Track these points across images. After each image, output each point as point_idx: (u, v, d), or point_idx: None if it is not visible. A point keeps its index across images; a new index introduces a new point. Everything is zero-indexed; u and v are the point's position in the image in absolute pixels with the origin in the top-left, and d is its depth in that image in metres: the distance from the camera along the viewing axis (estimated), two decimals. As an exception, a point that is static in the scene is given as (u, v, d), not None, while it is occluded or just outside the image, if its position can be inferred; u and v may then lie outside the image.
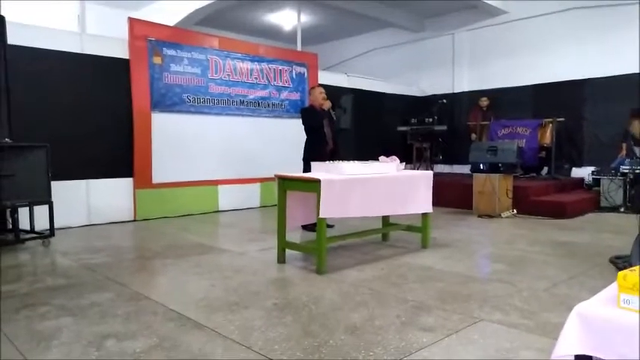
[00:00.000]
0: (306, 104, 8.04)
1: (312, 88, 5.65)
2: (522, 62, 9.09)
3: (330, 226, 5.23)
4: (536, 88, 8.85)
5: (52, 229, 4.68)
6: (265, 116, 7.56)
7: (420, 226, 4.55)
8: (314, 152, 5.02)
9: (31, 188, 4.51)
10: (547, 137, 7.82)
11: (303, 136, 7.94)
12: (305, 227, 4.93)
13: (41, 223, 4.79)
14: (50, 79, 5.46)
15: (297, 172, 4.99)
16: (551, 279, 3.48)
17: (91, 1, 7.12)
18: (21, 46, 5.10)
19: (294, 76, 7.93)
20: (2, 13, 4.50)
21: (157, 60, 6.28)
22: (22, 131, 4.76)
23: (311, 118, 5.32)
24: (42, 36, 5.43)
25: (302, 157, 5.39)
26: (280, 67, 7.74)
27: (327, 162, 4.17)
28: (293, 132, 7.88)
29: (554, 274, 3.61)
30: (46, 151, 4.58)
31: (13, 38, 4.75)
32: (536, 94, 8.86)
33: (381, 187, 3.92)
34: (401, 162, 4.48)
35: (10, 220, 4.77)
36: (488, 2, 8.86)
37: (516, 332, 2.50)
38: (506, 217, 6.28)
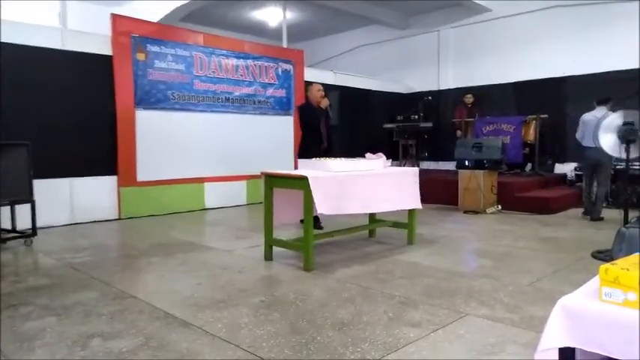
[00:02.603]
0: (292, 101, 8.05)
1: (310, 84, 5.53)
2: (506, 59, 9.19)
3: (318, 228, 5.23)
4: (520, 85, 8.96)
5: (34, 229, 4.60)
6: (251, 113, 7.52)
7: (406, 223, 4.58)
8: (309, 150, 4.95)
9: (13, 187, 4.42)
10: (530, 134, 7.92)
11: (289, 133, 8.03)
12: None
13: (23, 223, 4.70)
14: (31, 75, 5.35)
15: (284, 168, 4.98)
16: (536, 273, 3.54)
17: (73, -4, 6.98)
18: (1, 43, 4.99)
19: (280, 73, 7.90)
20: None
21: (141, 56, 6.20)
22: (3, 129, 4.66)
23: (309, 116, 5.23)
24: (22, 32, 5.31)
25: (297, 154, 5.32)
26: (266, 64, 7.70)
27: (314, 159, 4.17)
28: (279, 129, 7.90)
29: (538, 269, 3.67)
30: (27, 149, 4.50)
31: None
32: (520, 91, 8.97)
33: (368, 183, 3.93)
34: (387, 159, 4.50)
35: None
36: (472, 0, 8.92)
37: (502, 326, 2.54)
38: (491, 213, 6.36)
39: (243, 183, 7.39)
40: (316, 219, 5.09)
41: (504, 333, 2.45)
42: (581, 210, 6.29)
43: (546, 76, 8.56)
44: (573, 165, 7.83)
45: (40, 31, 5.53)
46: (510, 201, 6.61)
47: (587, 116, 5.94)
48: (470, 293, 3.08)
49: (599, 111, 5.63)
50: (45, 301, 2.99)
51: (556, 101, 8.38)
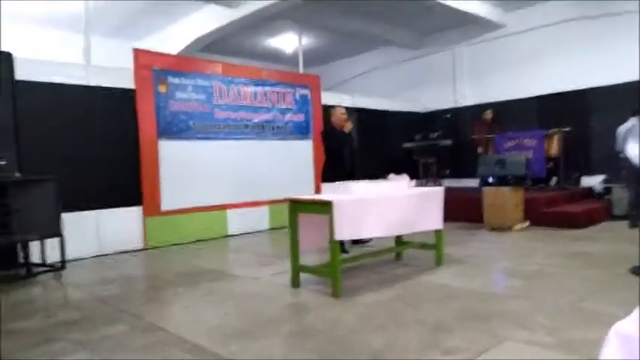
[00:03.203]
0: (311, 125, 8.10)
1: (333, 108, 5.52)
2: (524, 74, 9.13)
3: (366, 241, 5.19)
4: (540, 99, 8.86)
5: (63, 262, 4.66)
6: (270, 139, 7.58)
7: (433, 244, 4.50)
8: (333, 174, 4.94)
9: (42, 222, 4.51)
10: (554, 148, 7.78)
11: (308, 157, 8.06)
12: (354, 241, 5.06)
13: (52, 256, 4.77)
14: (58, 111, 5.51)
15: (305, 192, 4.97)
16: (573, 293, 3.41)
17: (96, 34, 7.24)
18: (28, 81, 5.17)
19: (297, 98, 7.99)
20: (7, 49, 4.56)
21: (162, 88, 6.34)
22: (31, 164, 4.78)
23: (333, 140, 5.23)
24: (48, 70, 5.50)
25: (320, 178, 5.32)
26: (283, 90, 7.80)
27: (337, 182, 4.15)
28: (298, 153, 7.94)
29: (575, 288, 3.54)
30: (55, 183, 4.60)
31: (20, 73, 4.82)
32: (541, 105, 8.87)
33: (393, 205, 3.88)
34: (410, 179, 4.45)
35: (22, 254, 4.77)
36: (485, 17, 8.95)
37: (544, 352, 2.43)
38: (519, 230, 6.21)
39: (266, 208, 7.40)
40: (341, 243, 5.04)
41: (548, 358, 2.35)
42: (610, 223, 6.10)
43: (565, 89, 8.45)
44: (600, 177, 7.63)
45: (66, 68, 5.73)
46: (537, 216, 6.46)
47: (623, 127, 5.92)
48: (505, 316, 2.97)
49: (631, 122, 5.57)
50: (77, 335, 3.00)
51: (578, 114, 8.24)
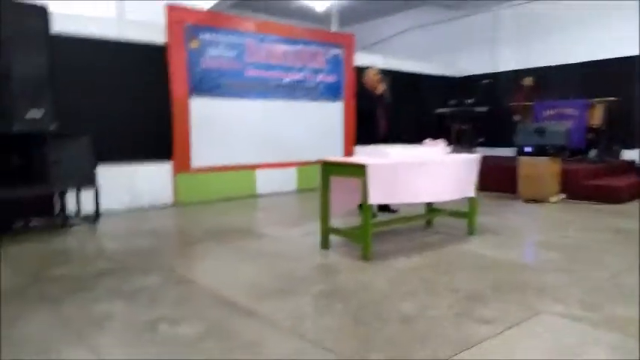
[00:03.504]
0: (342, 87, 7.92)
1: (366, 69, 5.40)
2: (570, 38, 8.60)
3: (393, 211, 5.14)
4: (585, 65, 8.35)
5: (97, 213, 4.78)
6: (301, 100, 7.46)
7: (465, 212, 4.39)
8: (366, 136, 4.85)
9: (78, 173, 4.61)
10: (596, 118, 7.40)
11: (339, 119, 7.92)
12: (381, 208, 5.02)
13: (87, 207, 4.89)
14: (92, 65, 5.53)
15: (334, 155, 4.90)
16: (612, 268, 3.29)
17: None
18: (63, 35, 5.16)
19: (329, 58, 7.78)
20: (42, 2, 4.53)
21: (194, 45, 6.26)
22: (66, 118, 4.83)
23: (364, 102, 5.13)
24: (82, 23, 5.48)
25: (354, 140, 5.25)
26: (315, 50, 7.59)
27: (371, 146, 4.05)
28: (329, 115, 7.82)
29: (614, 263, 3.42)
30: (90, 137, 4.66)
31: (55, 27, 4.79)
32: (584, 72, 8.38)
33: (429, 171, 3.77)
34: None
35: (59, 204, 4.91)
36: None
37: (581, 326, 2.36)
38: (555, 202, 6.02)
39: (294, 170, 7.38)
40: (386, 205, 5.01)
41: (584, 333, 2.28)
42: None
43: (614, 56, 7.94)
44: (644, 151, 7.26)
45: (100, 22, 5.69)
46: (575, 189, 6.22)
47: None
48: (542, 289, 2.90)
49: None
50: (112, 284, 3.08)
51: (623, 82, 7.76)
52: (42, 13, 4.37)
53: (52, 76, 4.45)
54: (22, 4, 4.22)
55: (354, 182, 3.69)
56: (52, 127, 4.43)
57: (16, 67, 4.12)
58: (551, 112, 7.76)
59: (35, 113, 4.27)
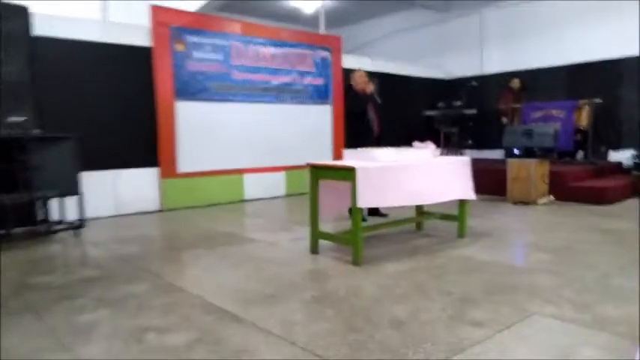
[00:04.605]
0: (330, 89, 7.90)
1: (352, 72, 5.41)
2: (555, 41, 8.70)
3: (383, 215, 5.12)
4: (571, 68, 8.47)
5: (82, 220, 4.68)
6: (289, 103, 7.42)
7: (455, 215, 4.39)
8: (359, 139, 4.84)
9: (61, 179, 4.50)
10: (583, 119, 7.48)
11: (327, 122, 7.89)
12: (371, 212, 5.02)
13: (71, 214, 4.79)
14: (74, 68, 5.43)
15: (322, 158, 4.89)
16: (601, 269, 3.30)
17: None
18: (45, 37, 5.06)
19: (317, 60, 7.75)
20: (25, 4, 4.44)
21: (180, 47, 6.18)
22: (49, 122, 4.73)
23: (353, 102, 5.11)
24: (65, 26, 5.38)
25: (346, 142, 5.24)
26: (303, 52, 7.57)
27: (360, 149, 4.03)
28: (317, 118, 7.78)
29: (603, 264, 3.43)
30: (74, 141, 4.56)
31: (37, 29, 4.70)
32: (571, 74, 8.48)
33: (418, 174, 3.76)
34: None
35: (42, 212, 4.79)
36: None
37: (573, 327, 2.35)
38: (543, 204, 6.05)
39: (282, 174, 7.33)
40: (376, 208, 5.00)
41: (576, 334, 2.27)
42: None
43: (599, 58, 8.05)
44: (630, 152, 7.35)
45: (83, 24, 5.59)
46: (563, 191, 6.27)
47: None
48: (532, 290, 2.89)
49: None
50: (98, 292, 3.01)
51: (610, 85, 7.88)
52: (22, 13, 4.27)
53: (34, 79, 4.34)
54: (2, 4, 4.11)
55: (343, 186, 3.67)
56: (35, 131, 4.33)
57: (-4, 70, 4.01)
58: (539, 113, 7.82)
59: (16, 117, 4.17)
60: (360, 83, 5.14)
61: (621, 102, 7.81)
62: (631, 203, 6.13)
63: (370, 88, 5.14)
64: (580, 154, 7.83)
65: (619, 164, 7.59)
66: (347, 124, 5.30)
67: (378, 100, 5.27)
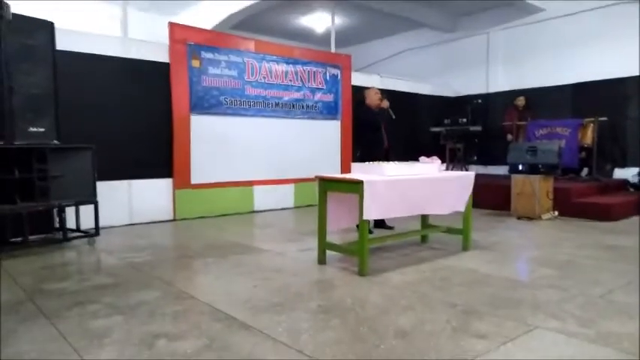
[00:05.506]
0: (339, 106, 8.05)
1: (366, 90, 5.59)
2: (561, 61, 8.82)
3: (389, 228, 5.21)
4: (576, 87, 8.56)
5: (97, 228, 4.80)
6: (300, 118, 7.57)
7: (460, 228, 4.46)
8: (371, 152, 5.01)
9: (78, 188, 4.64)
10: (588, 137, 7.54)
11: (336, 137, 8.01)
12: (377, 225, 5.16)
13: (86, 223, 4.92)
14: (95, 82, 5.61)
15: (331, 172, 5.01)
16: (606, 285, 3.34)
17: (133, 7, 7.28)
18: (68, 51, 5.26)
19: (327, 77, 7.92)
20: (47, 18, 4.63)
21: (196, 63, 6.37)
22: (69, 133, 4.89)
23: (369, 116, 5.31)
24: (87, 41, 5.59)
25: (358, 156, 5.39)
26: (314, 69, 7.74)
27: (367, 163, 4.14)
28: (326, 133, 7.92)
29: (607, 280, 3.47)
30: (92, 152, 4.71)
31: (60, 43, 4.89)
32: (576, 93, 8.58)
33: (424, 188, 3.85)
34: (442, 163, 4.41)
35: (58, 219, 4.93)
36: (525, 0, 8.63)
37: (576, 342, 2.40)
38: (547, 219, 6.09)
39: (291, 186, 7.45)
40: (382, 221, 5.10)
41: (580, 349, 2.32)
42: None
43: (603, 77, 8.14)
44: (635, 170, 7.38)
45: (104, 40, 5.80)
46: (567, 207, 6.32)
47: None
48: (536, 304, 2.94)
49: None
50: (111, 299, 3.10)
51: (615, 103, 7.95)
52: (48, 28, 4.47)
53: (56, 91, 4.52)
54: (30, 18, 4.31)
55: (350, 199, 3.76)
56: (54, 141, 4.48)
57: (21, 81, 4.18)
58: (544, 131, 7.90)
59: (37, 128, 4.33)
60: (375, 100, 5.34)
61: (627, 120, 7.87)
62: (636, 220, 6.15)
63: (386, 103, 5.35)
64: (585, 172, 7.87)
65: (624, 182, 7.61)
66: (356, 137, 5.46)
67: (393, 116, 5.44)
